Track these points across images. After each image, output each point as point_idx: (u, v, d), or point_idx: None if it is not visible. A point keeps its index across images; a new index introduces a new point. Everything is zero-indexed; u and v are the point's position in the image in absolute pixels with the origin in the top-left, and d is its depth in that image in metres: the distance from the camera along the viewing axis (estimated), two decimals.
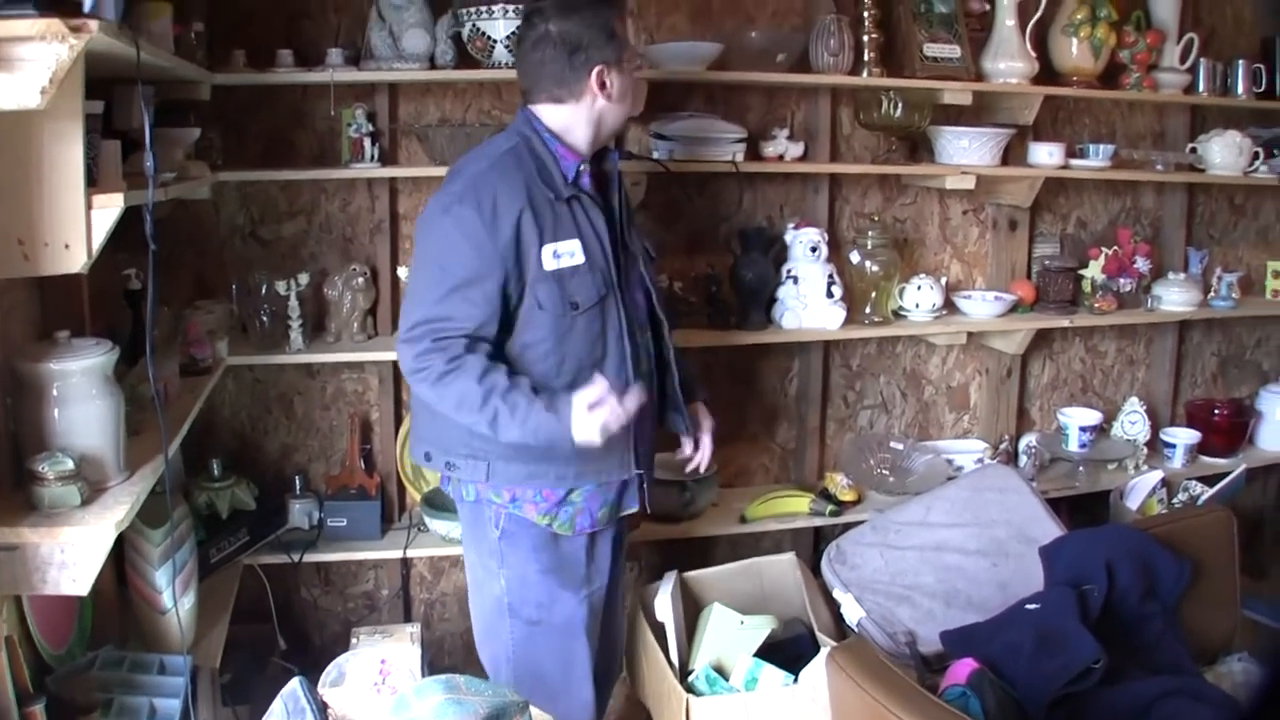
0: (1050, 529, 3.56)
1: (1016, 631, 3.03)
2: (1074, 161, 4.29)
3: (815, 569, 3.78)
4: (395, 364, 3.90)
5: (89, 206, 2.26)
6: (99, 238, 2.29)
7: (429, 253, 2.81)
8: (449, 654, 4.29)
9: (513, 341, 2.80)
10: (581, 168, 2.84)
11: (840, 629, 3.50)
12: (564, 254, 2.76)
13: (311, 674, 3.68)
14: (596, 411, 2.65)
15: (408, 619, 4.27)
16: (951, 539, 3.58)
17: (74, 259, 2.28)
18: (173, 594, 2.98)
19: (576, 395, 2.68)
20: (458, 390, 2.69)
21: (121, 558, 2.99)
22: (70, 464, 2.26)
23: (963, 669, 2.84)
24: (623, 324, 2.84)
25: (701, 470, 3.33)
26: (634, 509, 3.02)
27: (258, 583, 3.90)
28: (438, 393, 2.73)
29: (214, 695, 3.00)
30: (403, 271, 3.90)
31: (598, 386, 2.67)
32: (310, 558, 3.91)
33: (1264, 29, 4.70)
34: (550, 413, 2.66)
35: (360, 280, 3.83)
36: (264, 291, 3.71)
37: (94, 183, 2.32)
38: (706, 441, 3.23)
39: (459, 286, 2.71)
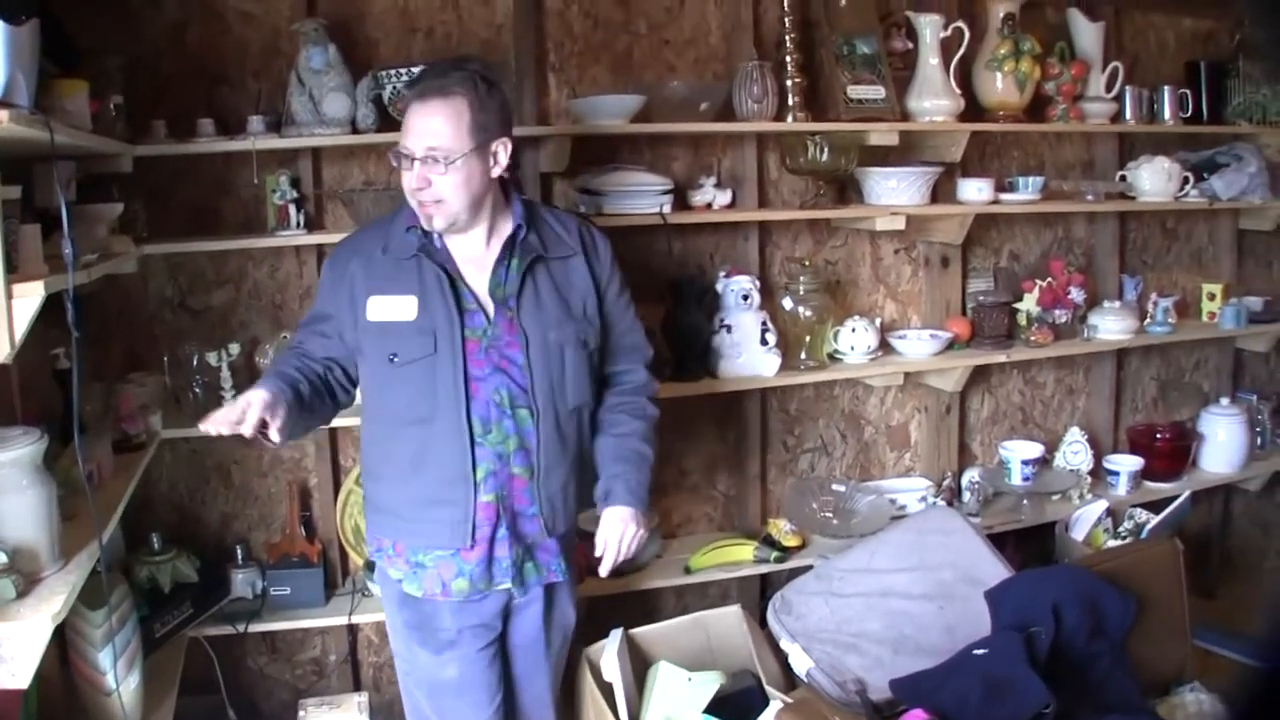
0: (996, 570, 3.55)
1: (965, 678, 3.02)
2: (1004, 196, 4.32)
3: (762, 617, 3.77)
4: (331, 430, 3.90)
5: (9, 296, 2.24)
6: (21, 328, 2.26)
7: None
8: (399, 717, 4.25)
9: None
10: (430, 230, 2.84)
11: (789, 679, 3.48)
12: (391, 308, 2.80)
13: None
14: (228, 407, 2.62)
15: (357, 684, 4.26)
16: (897, 584, 3.57)
17: None
18: (116, 675, 2.95)
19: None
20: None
21: (64, 640, 2.97)
22: (3, 557, 2.25)
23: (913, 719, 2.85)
24: (460, 389, 2.77)
25: (600, 574, 3.13)
26: (505, 584, 2.91)
27: (204, 654, 3.86)
28: None
29: None
30: None
31: (252, 394, 2.63)
32: (255, 627, 3.86)
33: (1255, 28, 4.70)
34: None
35: None
36: (196, 363, 3.70)
37: (14, 269, 2.30)
38: (609, 552, 2.98)
39: (312, 321, 2.98)
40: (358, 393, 3.01)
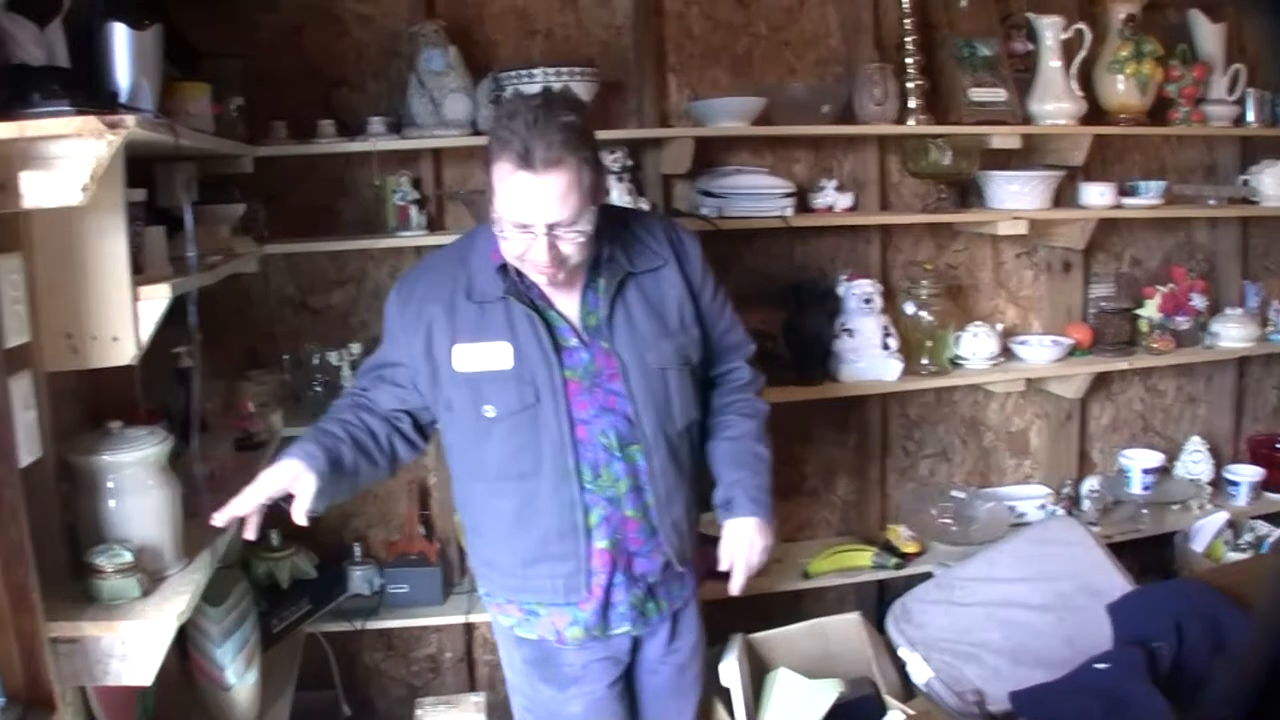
0: (1116, 581, 3.50)
1: (1086, 694, 2.99)
2: (1125, 200, 4.25)
3: (879, 623, 3.74)
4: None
5: (135, 299, 2.27)
6: (147, 330, 2.30)
7: None
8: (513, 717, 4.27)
9: (439, 436, 2.82)
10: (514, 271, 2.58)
11: (907, 688, 3.46)
12: (482, 356, 2.58)
13: None
14: (252, 485, 2.51)
15: (472, 682, 4.28)
16: (1017, 594, 3.53)
17: (123, 351, 2.29)
18: (236, 671, 2.98)
19: (263, 472, 2.56)
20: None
21: (183, 635, 2.97)
22: (128, 556, 2.25)
23: None
24: (566, 437, 2.58)
25: (732, 592, 2.83)
26: (623, 628, 2.76)
27: (320, 651, 3.89)
28: None
29: None
30: None
31: (274, 473, 2.54)
32: (372, 624, 3.89)
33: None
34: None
35: None
36: (316, 363, 3.73)
37: (140, 271, 2.33)
38: (737, 568, 2.80)
39: (379, 367, 2.77)
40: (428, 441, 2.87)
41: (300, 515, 2.52)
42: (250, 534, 2.51)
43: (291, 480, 2.51)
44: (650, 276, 2.68)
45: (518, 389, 2.56)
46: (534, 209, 2.36)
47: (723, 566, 2.81)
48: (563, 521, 2.62)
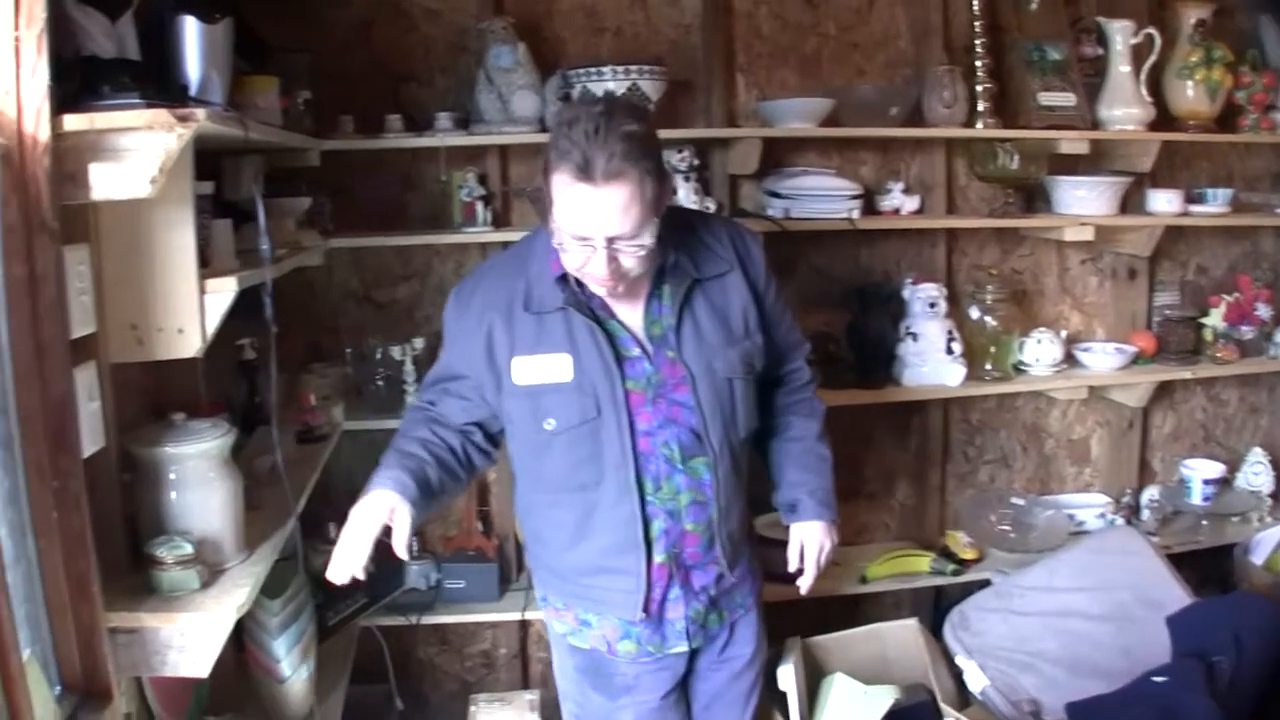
0: (1175, 593, 3.48)
1: (1143, 706, 2.97)
2: (1192, 207, 4.20)
3: (935, 629, 3.72)
4: None
5: (202, 291, 2.28)
6: (213, 322, 2.31)
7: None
8: None
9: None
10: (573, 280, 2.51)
11: (962, 696, 3.44)
12: (542, 369, 2.51)
13: None
14: (348, 531, 2.45)
15: (525, 679, 4.28)
16: (1075, 604, 3.51)
17: (188, 344, 2.30)
18: (291, 663, 2.98)
19: (365, 497, 2.48)
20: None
21: (239, 626, 2.98)
22: (189, 548, 2.26)
23: None
24: (628, 450, 2.52)
25: (802, 592, 2.86)
26: (680, 646, 2.71)
27: (375, 644, 3.89)
28: None
29: None
30: None
31: (371, 510, 2.44)
32: (428, 619, 3.91)
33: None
34: (369, 481, 2.52)
35: None
36: (379, 356, 3.72)
37: (206, 263, 2.33)
38: (808, 570, 2.82)
39: (442, 380, 2.71)
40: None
41: (401, 548, 2.43)
42: (361, 573, 2.41)
43: (389, 514, 2.42)
44: (716, 283, 2.61)
45: (579, 402, 2.50)
46: (593, 222, 2.29)
47: (791, 568, 2.82)
48: (623, 536, 2.57)
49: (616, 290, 2.45)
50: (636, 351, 2.54)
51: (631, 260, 2.36)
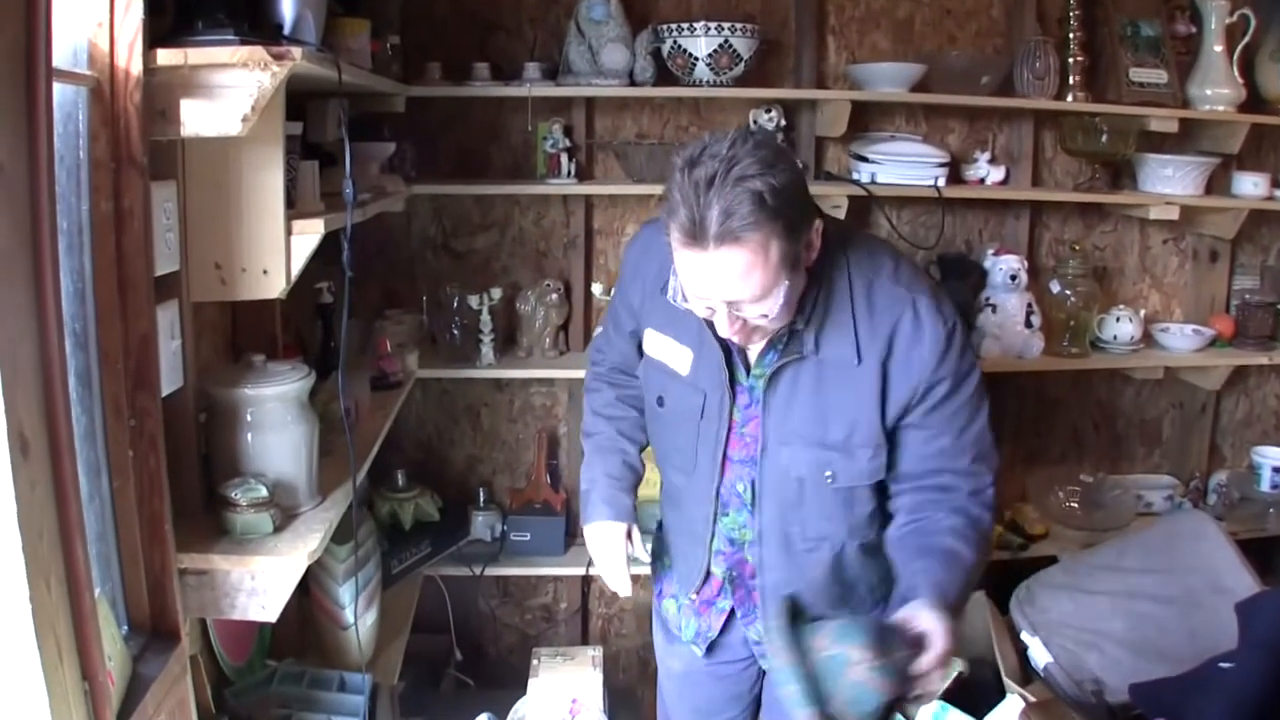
0: (1245, 581, 3.43)
1: (1209, 694, 2.92)
2: (1278, 192, 4.15)
3: (998, 601, 3.70)
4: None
5: (289, 233, 2.27)
6: (298, 264, 2.30)
7: None
8: (623, 670, 4.28)
9: None
10: None
11: (1024, 672, 3.41)
12: (667, 350, 2.37)
13: (486, 688, 3.68)
14: (600, 560, 2.49)
15: (585, 634, 4.28)
16: (1144, 585, 3.47)
17: (272, 285, 2.29)
18: (355, 610, 2.98)
19: (594, 530, 2.48)
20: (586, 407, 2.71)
21: (306, 571, 3.01)
22: (264, 491, 2.25)
23: None
24: (717, 463, 2.35)
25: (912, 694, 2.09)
26: (695, 649, 2.66)
27: (437, 593, 3.91)
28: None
29: (393, 713, 2.97)
30: (597, 288, 3.89)
31: (610, 545, 2.45)
32: (491, 571, 3.91)
33: None
34: (587, 504, 2.54)
35: (554, 296, 3.83)
36: (456, 305, 3.71)
37: (292, 205, 2.32)
38: (925, 661, 2.00)
39: (615, 320, 2.60)
40: None
41: (642, 553, 2.50)
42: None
43: (625, 542, 2.45)
44: (838, 371, 2.22)
45: (690, 396, 2.35)
46: (707, 287, 2.01)
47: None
48: (695, 531, 2.48)
49: (749, 343, 2.21)
50: (746, 381, 2.31)
51: (761, 320, 2.06)
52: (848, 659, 1.91)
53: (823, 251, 2.13)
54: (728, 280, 1.96)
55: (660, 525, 2.76)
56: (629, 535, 2.46)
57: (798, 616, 2.07)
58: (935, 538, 2.23)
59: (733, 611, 2.57)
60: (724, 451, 2.36)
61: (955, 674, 3.21)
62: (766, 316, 2.04)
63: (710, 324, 2.18)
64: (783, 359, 2.22)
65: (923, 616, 2.03)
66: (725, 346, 2.27)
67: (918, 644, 2.00)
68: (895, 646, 1.95)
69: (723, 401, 2.31)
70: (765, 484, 2.32)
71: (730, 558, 2.48)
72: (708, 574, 2.53)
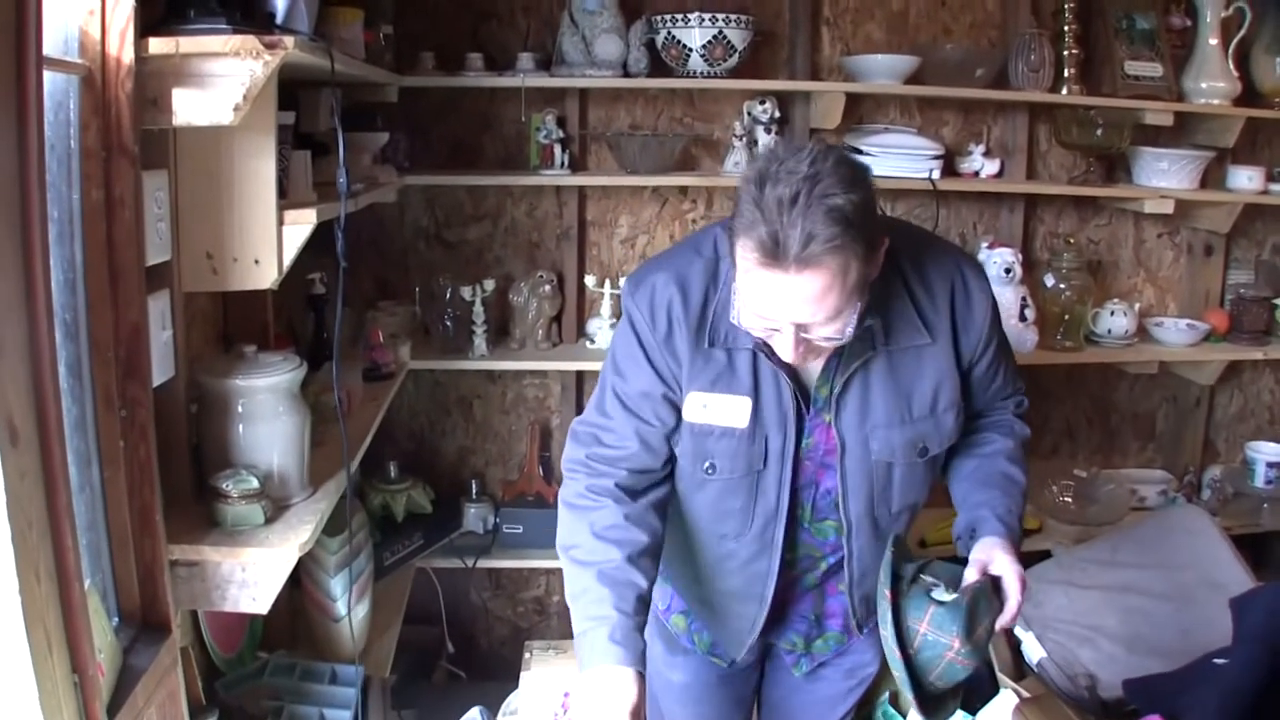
0: (1239, 576, 3.43)
1: (1203, 689, 2.92)
2: (1273, 186, 4.14)
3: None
4: (578, 373, 3.90)
5: (280, 222, 2.27)
6: (290, 254, 2.30)
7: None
8: None
9: None
10: None
11: (1018, 666, 3.41)
12: (716, 410, 2.13)
13: (478, 680, 3.66)
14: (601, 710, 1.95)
15: None
16: (1137, 581, 3.47)
17: (264, 275, 2.29)
18: (347, 602, 2.98)
19: (599, 674, 1.95)
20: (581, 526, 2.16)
21: (297, 563, 2.99)
22: (255, 483, 2.24)
23: None
24: (784, 505, 2.20)
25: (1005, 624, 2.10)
26: (716, 660, 2.52)
27: (429, 586, 3.91)
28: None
29: (384, 705, 3.00)
30: (590, 280, 3.89)
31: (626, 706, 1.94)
32: (484, 563, 3.90)
33: None
34: (590, 645, 2.00)
35: (547, 287, 3.82)
36: (449, 296, 3.70)
37: (284, 195, 2.32)
38: (1007, 616, 2.05)
39: (635, 403, 2.20)
40: None
41: None
42: None
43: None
44: (909, 353, 2.16)
45: (747, 452, 2.15)
46: (779, 309, 1.88)
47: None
48: (748, 589, 2.32)
49: (806, 363, 2.07)
50: (817, 408, 2.16)
51: (825, 341, 1.95)
52: (946, 646, 1.97)
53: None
54: (802, 303, 1.84)
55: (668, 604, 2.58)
56: (640, 696, 1.98)
57: (899, 579, 2.06)
58: (993, 464, 2.29)
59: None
60: (792, 489, 2.19)
61: None
62: (834, 339, 1.93)
63: (759, 354, 2.09)
64: (852, 360, 2.10)
65: (997, 559, 2.07)
66: (795, 382, 2.12)
67: (996, 587, 2.05)
68: (983, 616, 1.99)
69: (787, 439, 2.14)
70: (850, 478, 2.19)
71: (792, 588, 2.36)
72: (755, 633, 2.37)
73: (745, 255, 1.85)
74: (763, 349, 2.05)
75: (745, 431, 2.12)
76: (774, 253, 1.78)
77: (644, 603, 2.07)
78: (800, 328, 1.89)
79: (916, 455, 2.19)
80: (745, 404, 2.11)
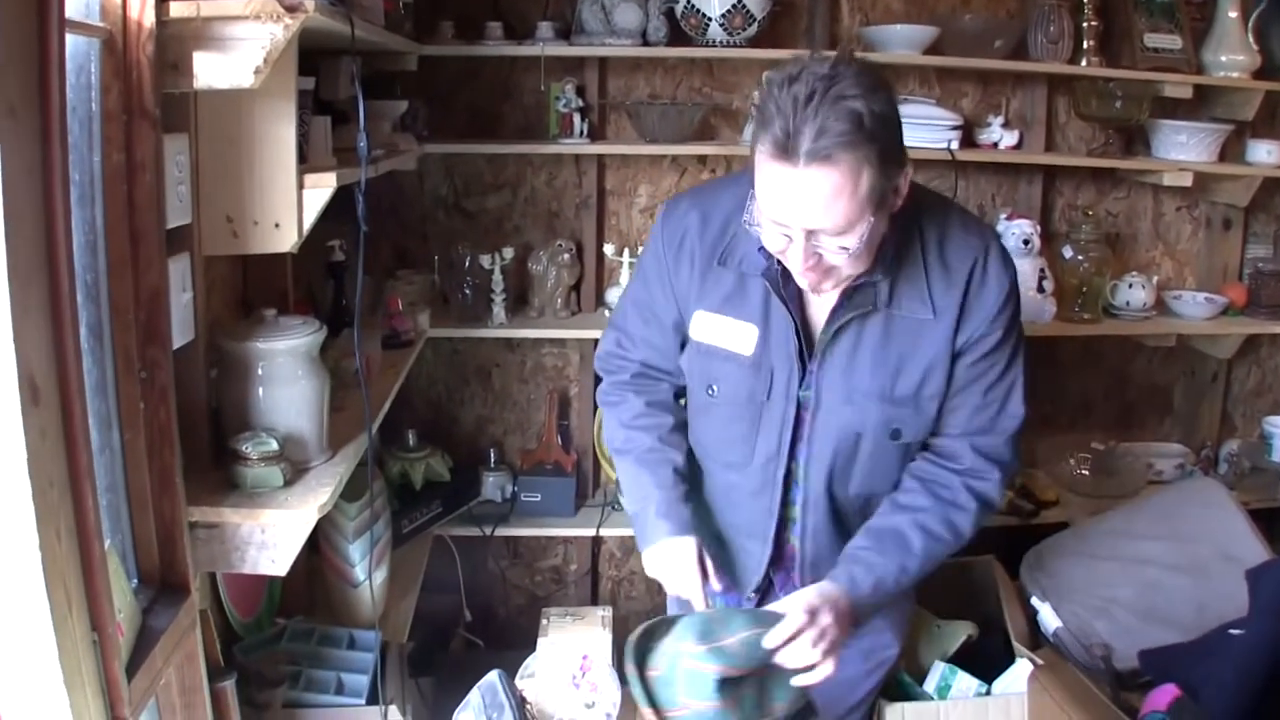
0: (1255, 549, 3.43)
1: (1218, 660, 2.92)
2: None
3: (1009, 566, 3.70)
4: (597, 342, 3.91)
5: (300, 186, 2.27)
6: (310, 218, 2.30)
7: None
8: (632, 632, 4.27)
9: None
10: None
11: (1034, 636, 3.42)
12: (722, 332, 2.21)
13: (495, 648, 3.68)
14: (675, 584, 2.23)
15: (594, 595, 4.29)
16: (1153, 552, 3.47)
17: (284, 239, 2.29)
18: (366, 568, 2.99)
19: (657, 550, 2.22)
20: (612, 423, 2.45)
21: (315, 529, 3.00)
22: (274, 445, 2.25)
23: (1164, 696, 2.76)
24: (786, 442, 2.23)
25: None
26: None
27: (446, 553, 3.91)
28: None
29: (401, 671, 3.00)
30: (609, 249, 3.89)
31: (684, 565, 2.19)
32: (502, 531, 3.92)
33: None
34: (641, 526, 2.28)
35: (566, 256, 3.82)
36: (468, 264, 3.70)
37: (304, 159, 2.32)
38: (769, 637, 1.98)
39: (650, 315, 2.37)
40: None
41: (715, 579, 2.22)
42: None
43: (697, 559, 2.20)
44: (910, 324, 2.15)
45: (753, 379, 2.21)
46: (789, 209, 1.89)
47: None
48: (753, 525, 2.36)
49: (820, 288, 2.06)
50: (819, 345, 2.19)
51: (838, 259, 1.95)
52: (680, 653, 1.98)
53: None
54: (813, 203, 1.85)
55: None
56: (700, 554, 2.21)
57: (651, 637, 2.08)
58: (897, 519, 2.23)
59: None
60: (792, 432, 2.22)
61: (965, 638, 3.23)
62: (846, 250, 1.92)
63: (775, 283, 2.13)
64: (849, 312, 2.11)
65: (794, 599, 2.05)
66: (800, 324, 2.16)
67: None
68: (736, 629, 1.98)
69: (791, 376, 2.18)
70: (814, 446, 2.22)
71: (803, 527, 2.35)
72: (762, 577, 2.41)
73: (760, 152, 1.89)
74: (774, 282, 2.12)
75: (750, 360, 2.20)
76: (785, 146, 1.81)
77: (681, 475, 2.32)
78: (811, 236, 1.90)
79: (888, 436, 2.20)
80: (752, 331, 2.19)
